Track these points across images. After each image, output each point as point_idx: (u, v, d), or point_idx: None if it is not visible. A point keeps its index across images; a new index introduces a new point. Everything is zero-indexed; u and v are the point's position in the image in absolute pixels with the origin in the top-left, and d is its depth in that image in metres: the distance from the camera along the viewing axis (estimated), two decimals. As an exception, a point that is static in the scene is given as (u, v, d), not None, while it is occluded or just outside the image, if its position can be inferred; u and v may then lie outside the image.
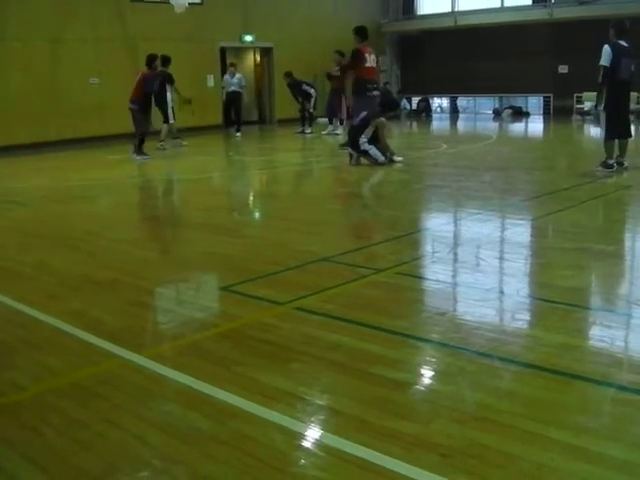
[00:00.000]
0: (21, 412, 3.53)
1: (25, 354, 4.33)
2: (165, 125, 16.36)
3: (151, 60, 14.88)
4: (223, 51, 22.81)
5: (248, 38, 23.01)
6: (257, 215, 9.73)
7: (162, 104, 15.86)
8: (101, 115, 17.66)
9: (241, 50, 24.51)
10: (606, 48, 10.39)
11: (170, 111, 16.30)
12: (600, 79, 10.45)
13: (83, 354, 4.25)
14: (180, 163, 14.69)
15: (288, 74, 19.89)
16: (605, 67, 10.32)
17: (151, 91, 14.72)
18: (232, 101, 19.40)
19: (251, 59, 25.42)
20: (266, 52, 24.03)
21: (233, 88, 19.11)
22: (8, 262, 6.71)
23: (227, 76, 19.42)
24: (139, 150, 14.63)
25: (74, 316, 4.88)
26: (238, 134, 19.46)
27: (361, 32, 14.55)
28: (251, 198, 11.07)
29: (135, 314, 5.05)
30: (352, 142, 12.85)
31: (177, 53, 19.38)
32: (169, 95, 16.15)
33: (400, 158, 12.62)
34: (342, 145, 15.05)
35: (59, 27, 18.32)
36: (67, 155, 15.19)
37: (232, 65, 19.72)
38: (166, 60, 15.94)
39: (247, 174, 12.90)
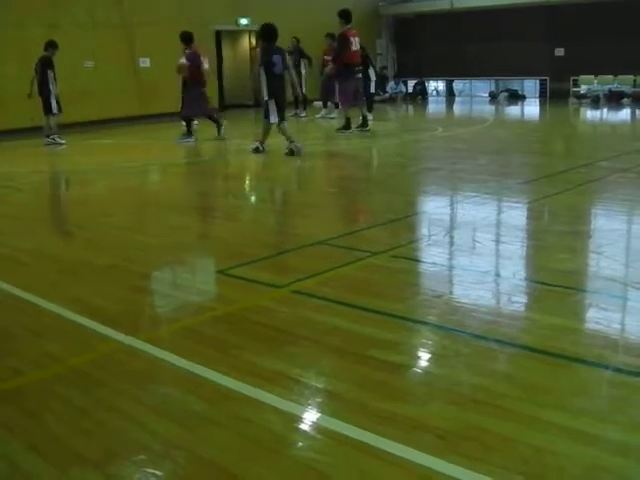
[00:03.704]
0: (21, 398, 3.54)
1: (25, 340, 4.34)
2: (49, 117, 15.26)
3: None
4: (218, 34, 22.71)
5: (243, 21, 22.89)
6: (253, 199, 9.72)
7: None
8: (96, 98, 17.57)
9: (237, 33, 24.41)
10: None
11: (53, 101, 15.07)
12: None
13: (82, 340, 4.26)
14: (173, 148, 14.63)
15: (297, 39, 19.59)
16: None
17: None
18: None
19: (246, 42, 25.31)
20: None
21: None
22: (6, 248, 6.71)
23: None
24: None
25: (73, 302, 4.88)
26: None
27: (345, 15, 14.68)
28: (247, 182, 11.05)
29: (133, 299, 5.05)
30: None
31: (172, 37, 19.25)
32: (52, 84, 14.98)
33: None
34: (339, 129, 15.06)
35: (54, 12, 18.20)
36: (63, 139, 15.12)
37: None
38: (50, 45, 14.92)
39: (243, 158, 12.86)
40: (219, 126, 14.83)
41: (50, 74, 14.84)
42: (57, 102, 14.99)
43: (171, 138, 14.90)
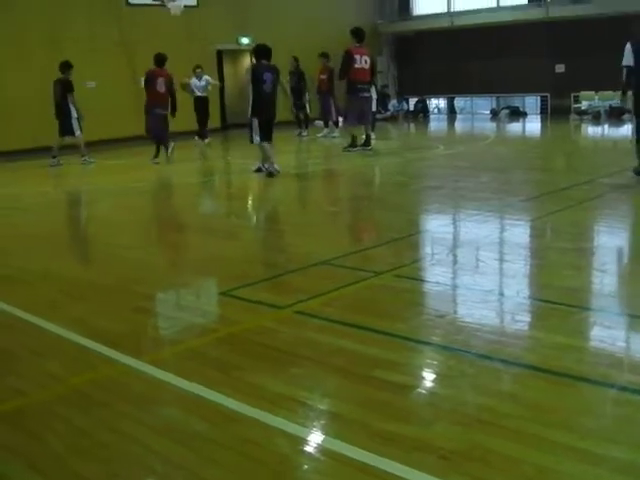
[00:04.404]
0: (23, 419, 3.53)
1: (28, 361, 4.33)
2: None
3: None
4: (220, 53, 22.80)
5: (244, 40, 23.00)
6: (255, 218, 9.72)
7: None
8: (98, 118, 17.60)
9: (237, 52, 24.51)
10: (627, 46, 9.69)
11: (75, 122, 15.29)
12: (624, 80, 9.83)
13: (85, 361, 4.25)
14: (174, 168, 14.64)
15: (296, 59, 19.47)
16: (628, 67, 9.66)
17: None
18: (200, 106, 18.27)
19: (248, 62, 25.37)
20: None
21: (201, 93, 18.21)
22: (11, 269, 6.70)
23: (193, 79, 18.12)
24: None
25: (76, 323, 4.87)
26: (206, 140, 18.29)
27: (357, 34, 14.67)
28: (249, 202, 11.06)
29: (135, 320, 5.04)
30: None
31: (173, 56, 19.32)
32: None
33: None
34: (345, 148, 15.06)
35: (55, 31, 18.33)
36: (66, 160, 15.15)
37: (199, 67, 18.49)
38: (68, 66, 15.12)
39: (243, 177, 12.88)
40: (158, 152, 14.82)
41: (70, 97, 15.02)
42: (79, 123, 15.17)
43: (174, 159, 14.93)
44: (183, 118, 18.86)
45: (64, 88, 14.94)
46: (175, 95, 14.92)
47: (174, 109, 14.85)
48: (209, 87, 18.34)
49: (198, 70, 18.27)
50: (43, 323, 4.91)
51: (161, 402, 3.64)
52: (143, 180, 13.01)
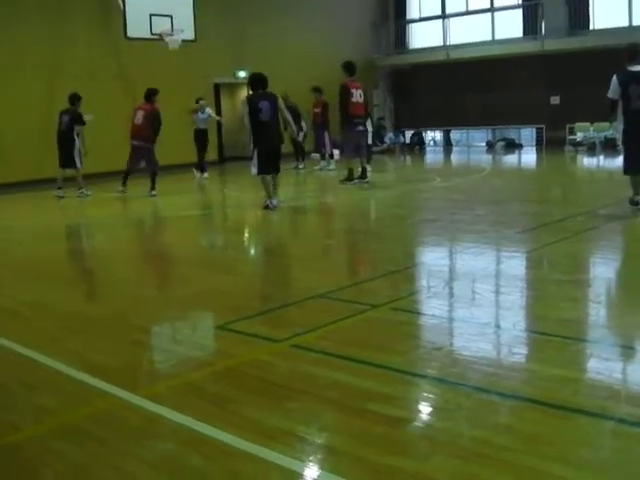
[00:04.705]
0: (17, 453, 3.51)
1: (23, 395, 4.31)
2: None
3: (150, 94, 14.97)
4: (217, 87, 22.93)
5: (242, 74, 23.14)
6: (252, 251, 9.73)
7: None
8: (98, 151, 17.64)
9: (235, 86, 24.65)
10: (613, 78, 9.75)
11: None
12: (610, 112, 9.89)
13: (80, 395, 4.23)
14: (169, 200, 14.68)
15: (286, 95, 19.52)
16: (612, 100, 9.73)
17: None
18: (200, 139, 18.52)
19: (245, 95, 25.51)
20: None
21: (203, 125, 18.46)
22: (6, 301, 6.68)
23: (198, 112, 18.41)
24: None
25: (72, 356, 4.85)
26: (205, 174, 18.47)
27: (348, 67, 14.79)
28: (246, 234, 11.08)
29: (132, 353, 5.03)
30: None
31: (171, 89, 19.45)
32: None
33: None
34: (342, 181, 15.11)
35: (54, 64, 18.50)
36: (64, 192, 15.18)
37: (201, 99, 18.84)
38: (77, 98, 15.35)
39: (241, 210, 12.91)
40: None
41: (78, 129, 15.14)
42: (80, 157, 15.24)
43: (171, 191, 14.98)
44: (181, 150, 18.96)
45: (73, 119, 15.08)
46: (157, 128, 14.92)
47: (153, 140, 14.93)
48: (209, 120, 18.51)
49: (201, 102, 18.48)
50: (38, 356, 4.89)
51: (157, 436, 3.62)
52: (140, 212, 13.04)
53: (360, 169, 15.00)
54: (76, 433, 3.70)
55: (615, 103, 9.75)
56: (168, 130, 16.40)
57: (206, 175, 18.35)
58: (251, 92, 11.92)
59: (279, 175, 11.85)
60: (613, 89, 9.73)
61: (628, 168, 10.04)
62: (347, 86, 14.61)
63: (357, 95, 14.66)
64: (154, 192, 14.66)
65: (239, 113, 23.77)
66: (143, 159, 14.92)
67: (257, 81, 11.64)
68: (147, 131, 14.75)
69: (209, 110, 18.76)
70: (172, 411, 3.82)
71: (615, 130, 10.40)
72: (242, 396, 4.03)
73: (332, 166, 19.05)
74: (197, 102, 18.48)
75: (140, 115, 14.85)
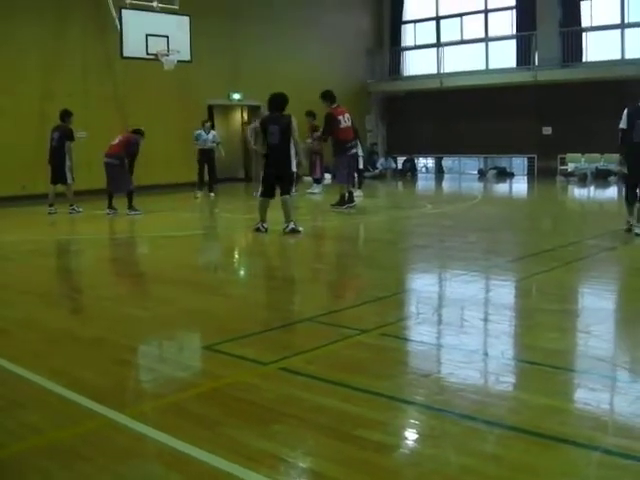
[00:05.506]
0: (3, 471, 3.47)
1: (7, 412, 4.27)
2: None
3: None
4: (211, 109, 22.99)
5: (236, 96, 23.25)
6: (241, 273, 9.72)
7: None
8: (91, 169, 17.65)
9: (229, 107, 24.73)
10: (624, 110, 10.41)
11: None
12: (619, 142, 10.58)
13: (66, 413, 4.20)
14: (162, 220, 14.69)
15: None
16: (623, 130, 10.34)
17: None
18: (206, 158, 18.77)
19: (238, 117, 25.65)
20: (253, 110, 24.14)
21: (208, 145, 18.66)
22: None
23: (201, 131, 18.68)
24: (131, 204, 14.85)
25: (57, 374, 4.82)
26: (212, 194, 18.81)
27: (328, 96, 14.87)
28: (235, 257, 11.06)
29: (118, 372, 5.00)
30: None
31: (165, 110, 19.51)
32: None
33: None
34: (334, 205, 15.12)
35: (49, 82, 18.57)
36: (56, 209, 15.16)
37: (207, 121, 19.32)
38: (69, 114, 15.51)
39: (231, 233, 12.91)
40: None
41: (68, 145, 15.19)
42: (71, 172, 15.33)
43: (163, 209, 14.96)
44: (179, 170, 18.95)
45: (64, 135, 15.14)
46: (132, 156, 15.09)
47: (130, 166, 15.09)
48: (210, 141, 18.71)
49: (207, 124, 18.92)
50: (25, 373, 4.86)
51: (142, 456, 3.60)
52: (129, 231, 13.01)
53: (347, 193, 15.00)
54: (62, 451, 3.67)
55: (625, 133, 10.32)
56: (159, 149, 16.48)
57: (212, 195, 18.55)
58: (267, 113, 11.83)
59: (286, 198, 11.49)
60: (624, 119, 10.32)
61: (628, 199, 10.59)
62: (332, 115, 14.65)
63: (344, 120, 14.74)
64: (132, 212, 14.80)
65: (236, 134, 23.94)
66: (110, 177, 15.02)
67: (271, 102, 11.52)
68: (120, 150, 14.89)
69: (214, 133, 19.10)
70: (157, 431, 3.80)
71: (622, 165, 10.90)
72: (228, 418, 4.01)
73: (317, 190, 19.14)
74: (203, 124, 18.81)
75: (117, 139, 15.09)
